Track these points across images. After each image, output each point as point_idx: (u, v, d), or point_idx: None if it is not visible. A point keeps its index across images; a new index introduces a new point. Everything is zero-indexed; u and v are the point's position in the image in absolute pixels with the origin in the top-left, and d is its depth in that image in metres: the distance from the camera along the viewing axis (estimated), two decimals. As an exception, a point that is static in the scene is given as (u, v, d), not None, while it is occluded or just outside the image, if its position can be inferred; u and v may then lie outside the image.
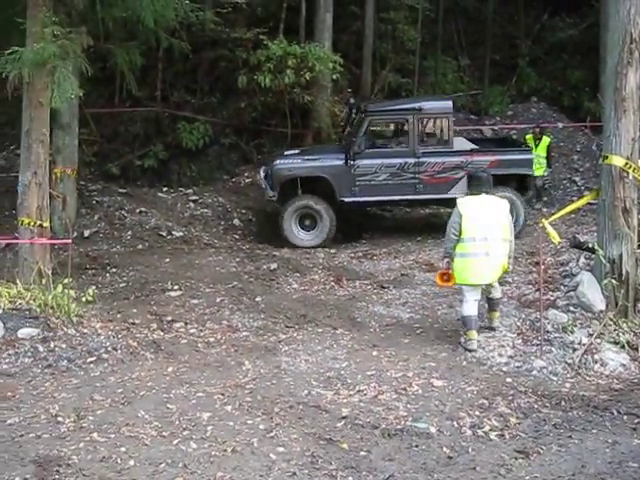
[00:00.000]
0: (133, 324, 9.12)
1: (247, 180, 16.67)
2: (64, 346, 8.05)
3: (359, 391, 7.19)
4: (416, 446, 6.12)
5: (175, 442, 6.10)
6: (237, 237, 13.96)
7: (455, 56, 21.76)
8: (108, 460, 5.82)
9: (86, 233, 13.06)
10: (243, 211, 14.97)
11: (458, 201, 8.30)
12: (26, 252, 9.17)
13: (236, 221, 14.77)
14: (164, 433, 6.27)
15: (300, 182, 13.56)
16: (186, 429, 6.34)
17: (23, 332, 8.11)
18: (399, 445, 6.14)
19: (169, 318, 9.44)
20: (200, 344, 8.59)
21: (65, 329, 8.28)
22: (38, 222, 9.12)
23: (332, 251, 12.96)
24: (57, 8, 9.51)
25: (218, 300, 10.14)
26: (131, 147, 17.46)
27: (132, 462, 5.79)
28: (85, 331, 8.38)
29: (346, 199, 13.43)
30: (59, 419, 6.55)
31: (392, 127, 14.17)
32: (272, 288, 10.81)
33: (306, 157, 13.97)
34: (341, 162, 13.40)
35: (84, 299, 8.86)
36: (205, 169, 16.92)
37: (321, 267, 11.94)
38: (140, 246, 12.84)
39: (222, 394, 7.07)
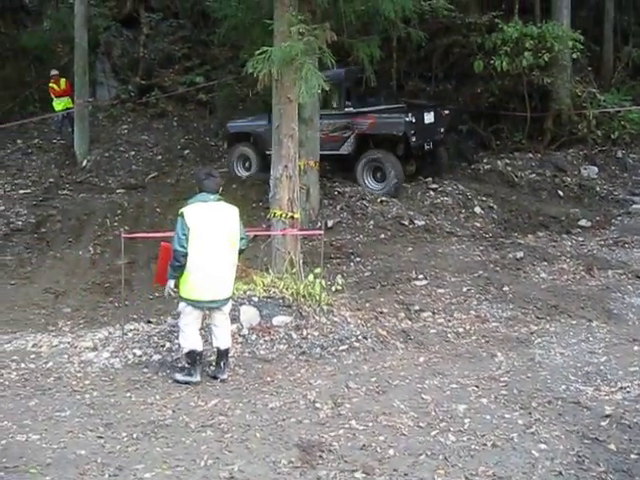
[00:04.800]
0: (381, 313, 9.17)
1: (487, 167, 16.32)
2: (316, 334, 8.24)
3: (621, 388, 6.81)
4: (696, 451, 5.68)
5: (433, 433, 6.06)
6: (479, 225, 13.68)
7: None
8: (368, 448, 5.86)
9: (329, 223, 13.34)
10: (483, 198, 14.64)
11: None
12: (278, 243, 9.47)
13: (477, 209, 14.41)
14: (421, 424, 6.24)
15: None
16: (443, 420, 6.28)
17: (277, 320, 8.38)
18: (674, 449, 5.72)
19: (416, 307, 9.41)
20: (450, 334, 8.51)
21: (316, 317, 8.45)
22: (289, 214, 9.39)
23: (580, 239, 12.37)
24: (302, 7, 9.78)
25: (464, 289, 9.98)
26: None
27: (392, 451, 5.80)
28: (335, 319, 8.51)
29: (268, 152, 14.71)
30: (317, 405, 6.69)
31: None
32: (519, 277, 10.47)
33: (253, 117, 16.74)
34: (266, 123, 14.76)
35: (333, 288, 9.04)
36: (443, 157, 16.77)
37: (569, 255, 11.41)
38: (382, 235, 12.94)
39: (476, 386, 6.95)
